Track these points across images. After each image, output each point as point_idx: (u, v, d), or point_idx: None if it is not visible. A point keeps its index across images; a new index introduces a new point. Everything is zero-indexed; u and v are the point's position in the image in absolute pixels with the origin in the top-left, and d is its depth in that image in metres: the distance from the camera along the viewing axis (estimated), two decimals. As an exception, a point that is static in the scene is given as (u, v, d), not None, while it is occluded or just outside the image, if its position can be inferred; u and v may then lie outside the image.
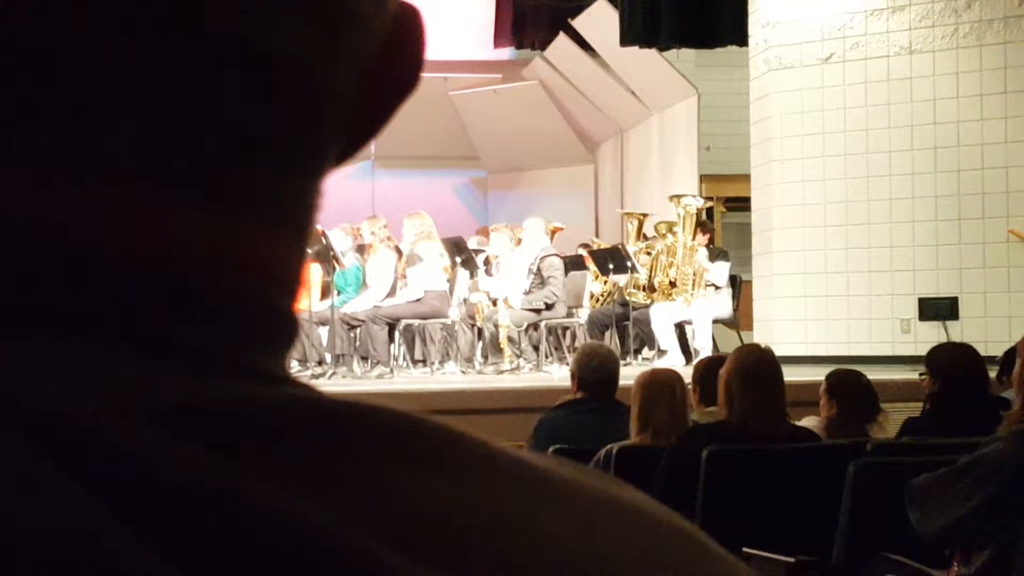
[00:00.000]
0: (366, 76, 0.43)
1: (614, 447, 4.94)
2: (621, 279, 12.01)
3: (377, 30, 0.43)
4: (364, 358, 10.98)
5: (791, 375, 7.99)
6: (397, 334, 11.10)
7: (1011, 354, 5.55)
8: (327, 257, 10.55)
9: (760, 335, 12.25)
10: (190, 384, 0.36)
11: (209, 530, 0.32)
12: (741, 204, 14.90)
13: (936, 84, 11.55)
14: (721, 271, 11.84)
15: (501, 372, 10.93)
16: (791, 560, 4.28)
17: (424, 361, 11.43)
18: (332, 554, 0.33)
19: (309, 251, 0.43)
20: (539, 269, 11.35)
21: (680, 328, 11.73)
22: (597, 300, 12.46)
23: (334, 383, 9.88)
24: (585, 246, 13.26)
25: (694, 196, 12.55)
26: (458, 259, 11.37)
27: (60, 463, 0.32)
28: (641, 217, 13.29)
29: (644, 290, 11.99)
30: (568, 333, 11.79)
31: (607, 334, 11.73)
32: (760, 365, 4.85)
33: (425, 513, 0.35)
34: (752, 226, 12.97)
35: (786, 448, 4.78)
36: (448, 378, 10.67)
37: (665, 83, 14.80)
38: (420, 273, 10.94)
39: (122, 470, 0.32)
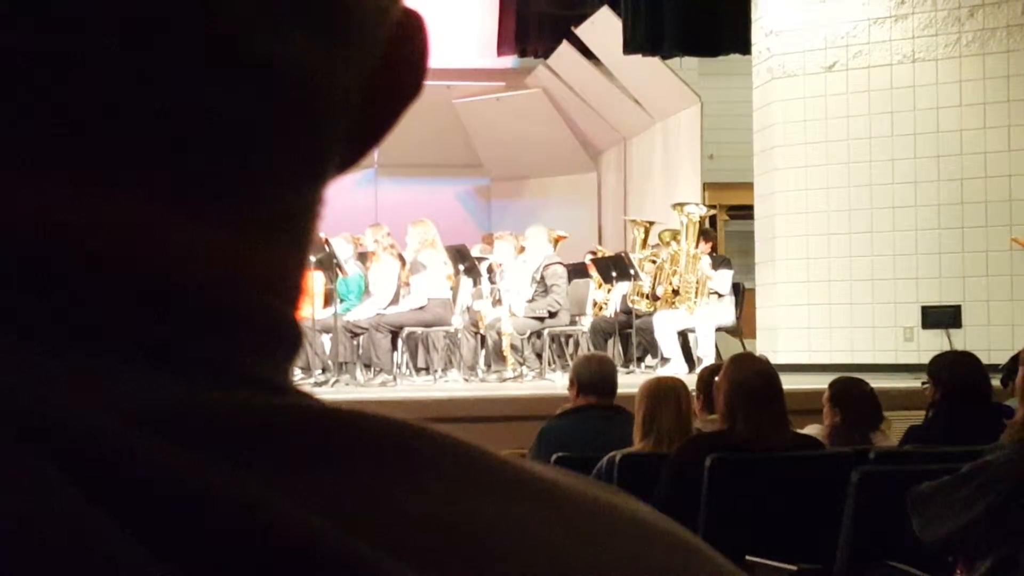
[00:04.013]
0: (369, 84, 0.43)
1: (616, 455, 4.94)
2: (624, 287, 12.00)
3: (380, 37, 0.43)
4: (367, 366, 10.98)
5: (794, 383, 8.00)
6: (400, 342, 11.10)
7: (1015, 361, 5.54)
8: (330, 265, 10.55)
9: (763, 343, 12.25)
10: (189, 391, 0.36)
11: (207, 535, 0.32)
12: (744, 212, 14.91)
13: (939, 93, 11.56)
14: (724, 279, 11.84)
15: (504, 380, 10.93)
16: (794, 568, 4.27)
17: (427, 369, 11.43)
18: (330, 561, 0.33)
19: (312, 259, 0.43)
20: (543, 277, 11.35)
21: (683, 336, 11.73)
22: (600, 308, 12.47)
23: (337, 391, 9.87)
24: (592, 253, 13.25)
25: (697, 204, 12.55)
26: (461, 267, 11.37)
27: (58, 466, 0.32)
28: (647, 225, 13.29)
29: (647, 298, 11.99)
30: (571, 341, 11.79)
31: (610, 342, 11.72)
32: (761, 381, 4.80)
33: (425, 521, 0.35)
34: (755, 234, 12.97)
35: (789, 456, 4.77)
36: (451, 386, 10.67)
37: (668, 91, 14.81)
38: (423, 281, 10.94)
39: (121, 474, 0.32)
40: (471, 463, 0.38)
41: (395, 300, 11.13)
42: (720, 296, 11.81)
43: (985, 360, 5.85)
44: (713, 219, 14.99)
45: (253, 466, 0.34)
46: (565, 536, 0.37)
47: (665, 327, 11.60)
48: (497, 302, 11.46)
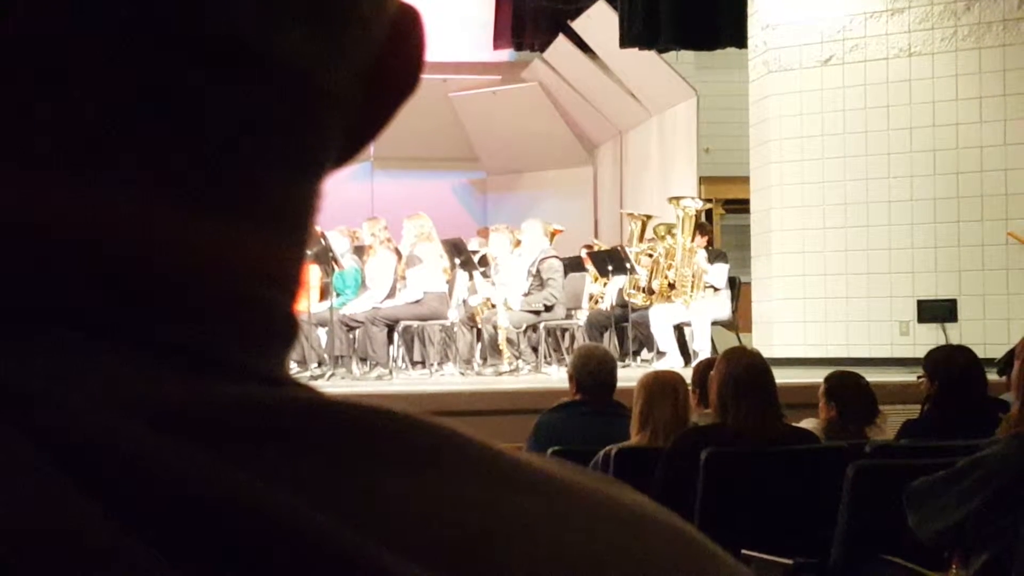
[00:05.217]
0: (366, 78, 0.43)
1: (612, 448, 4.94)
2: (620, 281, 12.00)
3: (377, 32, 0.43)
4: (363, 359, 10.98)
5: (790, 377, 8.00)
6: (396, 335, 11.10)
7: (1012, 355, 5.55)
8: (326, 259, 10.55)
9: (759, 337, 12.25)
10: (190, 385, 0.36)
11: (208, 530, 0.32)
12: (740, 206, 14.90)
13: (935, 86, 11.56)
14: (720, 273, 11.84)
15: (500, 374, 10.93)
16: (789, 562, 4.28)
17: (423, 362, 11.43)
18: (331, 555, 0.33)
19: (308, 252, 0.44)
20: (539, 271, 11.35)
21: (679, 330, 11.73)
22: (596, 302, 12.47)
23: (333, 384, 9.87)
24: (588, 247, 13.25)
25: (693, 198, 12.54)
26: (457, 261, 11.37)
27: (59, 463, 0.32)
28: (645, 218, 13.28)
29: (643, 292, 11.99)
30: (567, 335, 11.79)
31: (606, 336, 11.73)
32: (750, 373, 4.82)
33: (424, 514, 0.35)
34: (751, 228, 12.97)
35: (784, 450, 4.78)
36: (447, 379, 10.67)
37: (664, 85, 14.80)
38: (419, 275, 10.94)
39: (122, 471, 0.32)
40: (473, 456, 0.38)
41: (391, 294, 11.12)
42: (716, 290, 11.81)
43: (981, 354, 5.85)
44: (709, 213, 15.00)
45: (258, 462, 0.34)
46: (567, 529, 0.37)
47: (661, 321, 11.60)
48: (491, 304, 11.45)
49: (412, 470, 0.36)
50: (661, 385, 5.20)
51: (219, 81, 0.38)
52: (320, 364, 10.71)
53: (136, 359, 0.36)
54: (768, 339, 12.03)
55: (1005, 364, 6.13)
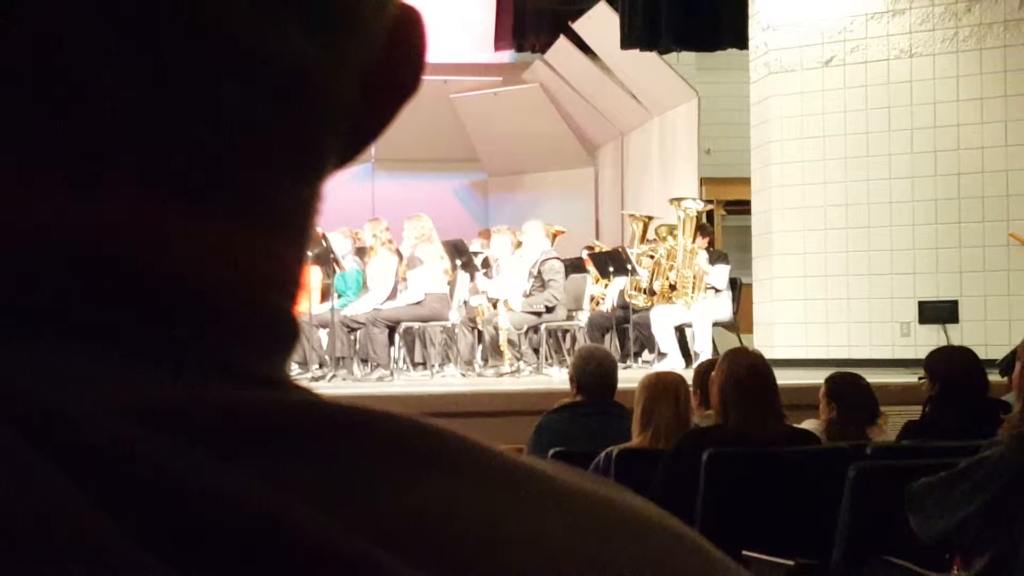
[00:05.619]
0: (367, 79, 0.43)
1: (614, 450, 4.94)
2: (621, 282, 12.00)
3: (377, 33, 0.43)
4: (364, 361, 10.98)
5: (791, 378, 8.00)
6: (397, 337, 11.10)
7: (1014, 355, 5.55)
8: (327, 260, 10.55)
9: (760, 338, 12.25)
10: (189, 386, 0.36)
11: (207, 531, 0.32)
12: (741, 207, 14.90)
13: (936, 87, 11.56)
14: (721, 274, 11.84)
15: (501, 375, 10.93)
16: (791, 563, 4.28)
17: (424, 364, 11.43)
18: (330, 557, 0.33)
19: (309, 254, 0.44)
20: (540, 272, 11.35)
21: (680, 331, 11.73)
22: (597, 303, 12.47)
23: (334, 386, 9.88)
24: (589, 248, 13.25)
25: (694, 199, 12.54)
26: (458, 262, 11.37)
27: (58, 463, 0.32)
28: (647, 219, 13.27)
29: (644, 293, 11.98)
30: (568, 336, 11.79)
31: (607, 337, 11.73)
32: (751, 373, 4.83)
33: (423, 517, 0.35)
34: (752, 229, 12.97)
35: (786, 451, 4.78)
36: (448, 381, 10.67)
37: (665, 86, 14.80)
38: (420, 276, 10.94)
39: (121, 471, 0.32)
40: (471, 458, 0.38)
41: (392, 295, 11.12)
42: (717, 291, 11.81)
43: (982, 355, 5.85)
44: (710, 214, 14.99)
45: (257, 463, 0.34)
46: (564, 531, 0.37)
47: (662, 322, 11.60)
48: (493, 305, 11.45)
49: (411, 472, 0.36)
50: (662, 386, 5.20)
51: (219, 82, 0.38)
52: (321, 365, 10.71)
53: (136, 359, 0.36)
54: (769, 340, 12.03)
55: (1007, 365, 6.14)
